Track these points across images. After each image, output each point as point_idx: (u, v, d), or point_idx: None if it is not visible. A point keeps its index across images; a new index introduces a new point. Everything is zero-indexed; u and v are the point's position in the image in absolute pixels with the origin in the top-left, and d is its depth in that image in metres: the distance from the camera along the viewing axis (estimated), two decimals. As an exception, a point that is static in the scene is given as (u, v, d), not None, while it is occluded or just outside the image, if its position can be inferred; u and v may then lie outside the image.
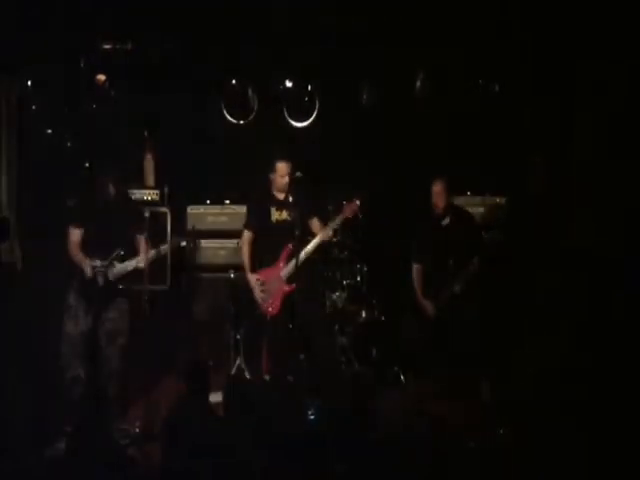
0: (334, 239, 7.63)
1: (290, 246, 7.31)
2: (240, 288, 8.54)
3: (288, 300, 7.37)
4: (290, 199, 7.36)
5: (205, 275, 8.99)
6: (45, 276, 7.90)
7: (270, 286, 7.40)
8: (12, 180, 7.90)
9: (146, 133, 9.05)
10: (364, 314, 8.34)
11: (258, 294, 7.44)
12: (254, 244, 7.57)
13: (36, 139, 8.21)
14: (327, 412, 5.98)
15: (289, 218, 7.38)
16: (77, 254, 6.99)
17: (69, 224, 7.06)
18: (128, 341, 7.20)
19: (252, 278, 7.48)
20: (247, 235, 7.57)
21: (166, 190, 8.92)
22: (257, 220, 7.49)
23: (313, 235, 7.47)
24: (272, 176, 7.42)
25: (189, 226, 8.84)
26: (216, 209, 9.05)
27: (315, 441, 4.80)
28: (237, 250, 8.89)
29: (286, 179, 7.36)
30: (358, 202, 7.36)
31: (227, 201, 9.07)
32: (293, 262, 7.27)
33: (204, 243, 8.94)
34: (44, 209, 8.15)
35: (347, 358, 8.13)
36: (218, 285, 8.91)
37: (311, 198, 7.55)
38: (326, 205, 7.89)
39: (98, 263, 6.90)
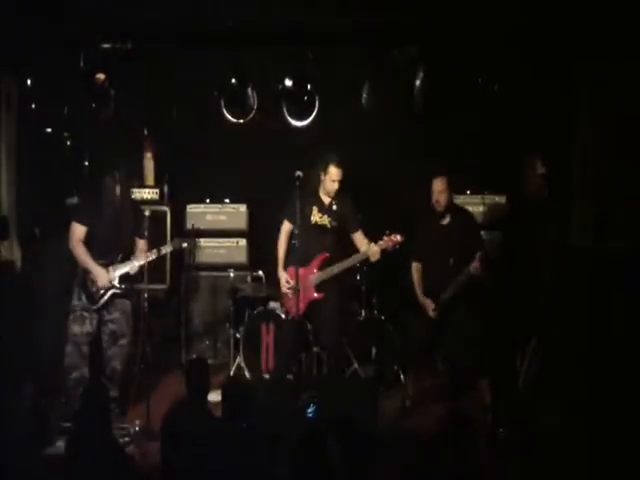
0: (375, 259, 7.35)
1: (326, 255, 7.31)
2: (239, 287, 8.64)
3: (312, 305, 7.37)
4: (334, 207, 7.34)
5: (204, 274, 8.96)
6: (45, 275, 7.93)
7: (299, 287, 7.24)
8: (12, 179, 7.85)
9: (146, 132, 9.01)
10: (363, 313, 8.31)
11: (285, 285, 7.38)
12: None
13: (36, 138, 8.17)
14: (326, 411, 5.96)
15: (328, 225, 7.35)
16: (79, 251, 7.04)
17: (73, 220, 7.10)
18: (130, 342, 7.25)
19: (282, 274, 7.42)
20: (287, 226, 7.46)
21: (166, 189, 8.94)
22: (297, 215, 7.22)
23: (354, 246, 7.43)
24: (322, 177, 7.32)
25: (188, 225, 8.81)
26: (215, 208, 9.01)
27: (314, 440, 4.79)
28: (236, 249, 8.98)
29: (336, 185, 7.25)
30: (400, 238, 7.26)
31: (227, 200, 9.03)
32: (325, 272, 7.30)
33: (203, 242, 8.90)
34: (44, 208, 8.12)
35: (347, 357, 8.09)
36: (217, 284, 8.91)
37: (356, 209, 7.48)
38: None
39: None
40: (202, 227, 8.75)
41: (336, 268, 7.32)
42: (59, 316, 7.32)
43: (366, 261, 7.45)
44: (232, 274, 8.66)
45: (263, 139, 8.80)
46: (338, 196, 7.35)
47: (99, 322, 7.10)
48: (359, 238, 7.43)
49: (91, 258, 7.01)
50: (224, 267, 8.82)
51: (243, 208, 9.01)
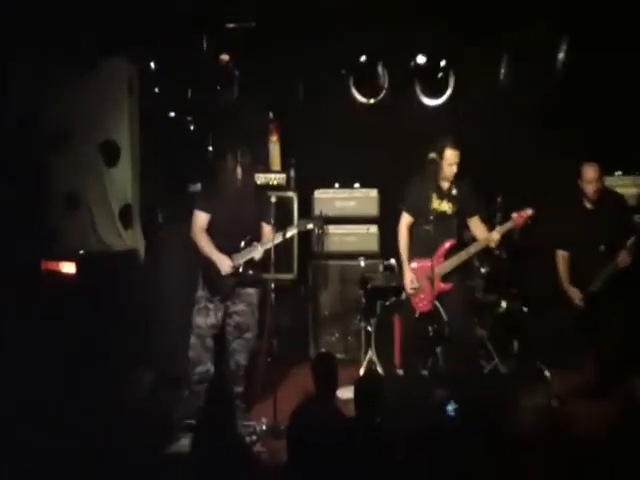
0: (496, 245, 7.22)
1: (451, 242, 7.13)
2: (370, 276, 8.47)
3: (440, 297, 7.16)
4: (454, 191, 7.13)
5: (333, 263, 8.85)
6: (169, 264, 8.00)
7: (424, 280, 7.10)
8: (135, 167, 7.97)
9: (271, 115, 8.98)
10: (504, 304, 8.03)
11: (410, 286, 7.19)
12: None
13: (159, 123, 8.26)
14: (463, 410, 5.66)
15: (449, 211, 7.16)
16: (201, 240, 6.96)
17: (195, 208, 7.05)
18: (255, 335, 7.18)
19: (408, 274, 7.22)
20: (406, 219, 7.29)
21: (292, 174, 8.87)
22: (416, 205, 7.15)
23: (470, 232, 7.28)
24: (439, 161, 7.07)
25: (316, 211, 8.68)
26: (345, 193, 8.91)
27: (451, 439, 4.74)
28: (367, 236, 8.94)
29: (454, 168, 7.05)
30: (530, 212, 7.05)
31: (357, 184, 8.90)
32: (452, 260, 7.10)
33: (332, 229, 8.76)
34: (168, 196, 8.19)
35: (486, 352, 7.87)
36: (347, 273, 8.79)
37: (476, 194, 7.25)
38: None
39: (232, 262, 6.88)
40: (331, 213, 8.57)
41: (465, 254, 7.14)
42: (183, 306, 7.27)
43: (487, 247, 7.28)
44: (362, 263, 8.50)
45: (394, 119, 8.58)
46: (457, 180, 7.11)
47: (224, 314, 7.01)
48: (475, 224, 7.25)
49: (214, 247, 6.91)
50: (354, 255, 8.67)
51: (374, 193, 8.87)
